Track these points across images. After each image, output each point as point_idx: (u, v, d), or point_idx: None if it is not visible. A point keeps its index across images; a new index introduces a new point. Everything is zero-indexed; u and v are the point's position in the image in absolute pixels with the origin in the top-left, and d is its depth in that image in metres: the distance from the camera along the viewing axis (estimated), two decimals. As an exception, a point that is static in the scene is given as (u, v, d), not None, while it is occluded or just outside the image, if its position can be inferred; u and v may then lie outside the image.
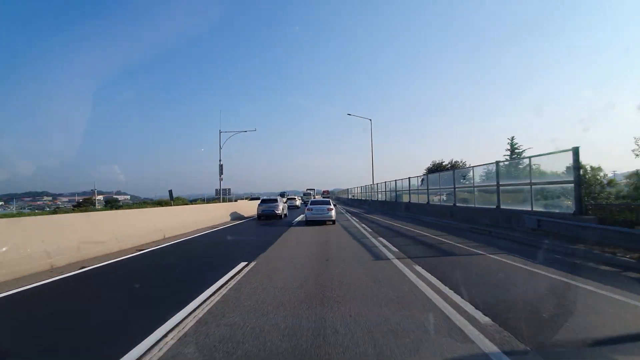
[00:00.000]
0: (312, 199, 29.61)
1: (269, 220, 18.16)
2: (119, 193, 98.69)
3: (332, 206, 15.88)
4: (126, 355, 2.75)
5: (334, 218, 15.53)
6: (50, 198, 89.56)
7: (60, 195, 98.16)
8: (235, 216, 19.77)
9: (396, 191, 25.63)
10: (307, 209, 16.14)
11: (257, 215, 19.14)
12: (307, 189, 56.47)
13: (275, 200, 19.68)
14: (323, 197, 35.32)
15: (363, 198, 40.74)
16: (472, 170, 14.95)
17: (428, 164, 41.24)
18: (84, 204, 48.09)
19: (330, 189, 78.56)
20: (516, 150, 29.71)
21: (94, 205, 46.55)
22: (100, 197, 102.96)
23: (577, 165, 8.60)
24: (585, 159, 11.46)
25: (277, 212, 18.87)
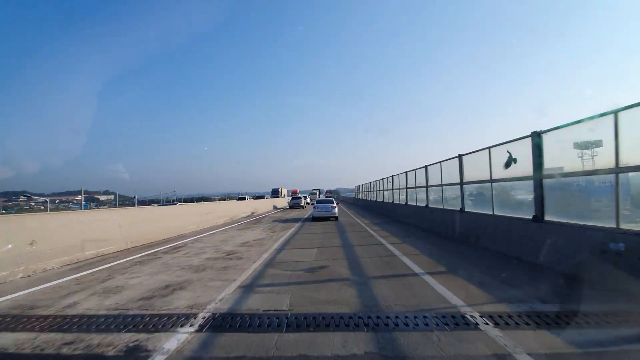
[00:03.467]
0: (318, 197, 38.00)
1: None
2: (106, 192, 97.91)
3: (335, 204, 18.74)
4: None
5: (336, 215, 18.26)
6: (24, 198, 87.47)
7: (40, 195, 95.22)
8: (275, 207, 32.01)
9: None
10: (314, 207, 18.95)
11: (290, 206, 33.09)
12: (313, 189, 67.57)
13: (300, 197, 35.21)
14: (326, 197, 39.01)
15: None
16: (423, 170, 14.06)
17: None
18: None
19: (333, 188, 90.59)
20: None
21: None
22: (80, 197, 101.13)
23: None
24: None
25: (301, 204, 33.14)
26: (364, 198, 34.98)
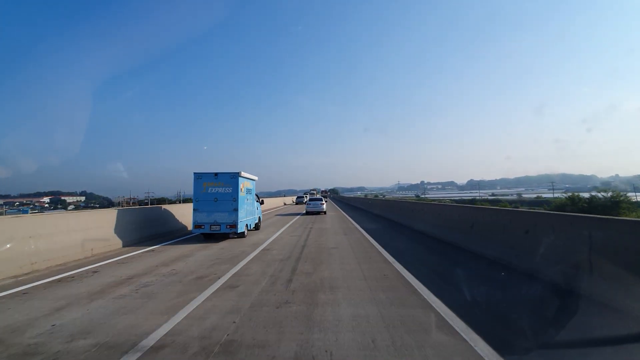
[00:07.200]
0: (313, 196, 40.71)
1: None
2: (83, 194, 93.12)
3: (324, 202, 22.01)
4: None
5: (325, 210, 21.22)
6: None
7: (6, 196, 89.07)
8: (285, 203, 46.34)
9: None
10: (307, 204, 22.19)
11: (295, 202, 44.84)
12: (311, 189, 75.68)
13: (303, 196, 46.82)
14: (320, 196, 42.64)
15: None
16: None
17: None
18: None
19: (331, 187, 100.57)
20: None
21: None
22: (46, 199, 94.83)
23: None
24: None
25: (304, 201, 39.88)
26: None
